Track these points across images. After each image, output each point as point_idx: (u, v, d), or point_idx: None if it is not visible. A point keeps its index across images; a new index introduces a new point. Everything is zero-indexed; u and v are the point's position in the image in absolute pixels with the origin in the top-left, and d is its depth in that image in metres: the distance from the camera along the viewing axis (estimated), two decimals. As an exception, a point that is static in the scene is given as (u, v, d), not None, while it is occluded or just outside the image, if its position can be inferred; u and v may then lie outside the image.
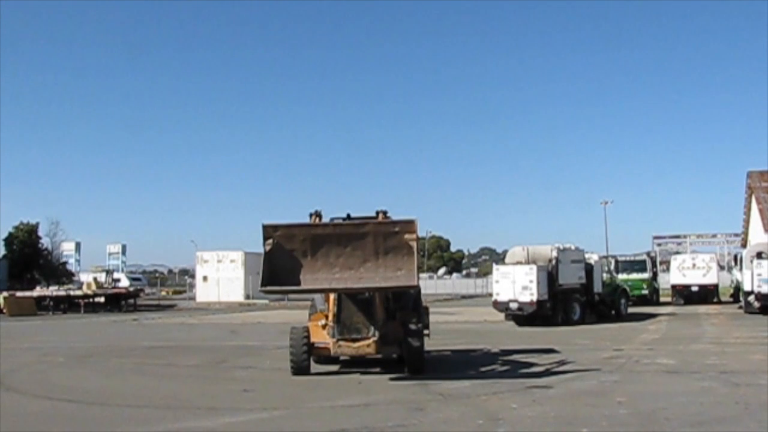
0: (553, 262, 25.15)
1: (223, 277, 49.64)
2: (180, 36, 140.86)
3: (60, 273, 56.69)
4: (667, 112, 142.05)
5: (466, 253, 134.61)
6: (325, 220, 13.67)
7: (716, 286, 37.90)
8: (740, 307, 30.60)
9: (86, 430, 9.29)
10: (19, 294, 41.86)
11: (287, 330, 13.75)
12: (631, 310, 29.29)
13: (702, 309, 32.75)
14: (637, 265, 37.37)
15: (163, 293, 65.54)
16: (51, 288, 46.13)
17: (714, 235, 73.58)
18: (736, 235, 58.34)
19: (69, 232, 65.65)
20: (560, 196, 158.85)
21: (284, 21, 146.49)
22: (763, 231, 37.27)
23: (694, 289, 37.17)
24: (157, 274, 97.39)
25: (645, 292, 36.27)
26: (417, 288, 13.43)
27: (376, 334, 12.73)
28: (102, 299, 43.91)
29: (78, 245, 73.54)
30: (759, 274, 27.32)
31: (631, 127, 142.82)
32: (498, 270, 26.13)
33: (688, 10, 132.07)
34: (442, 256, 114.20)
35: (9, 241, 54.81)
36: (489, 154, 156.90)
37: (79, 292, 43.86)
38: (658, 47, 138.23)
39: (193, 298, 53.37)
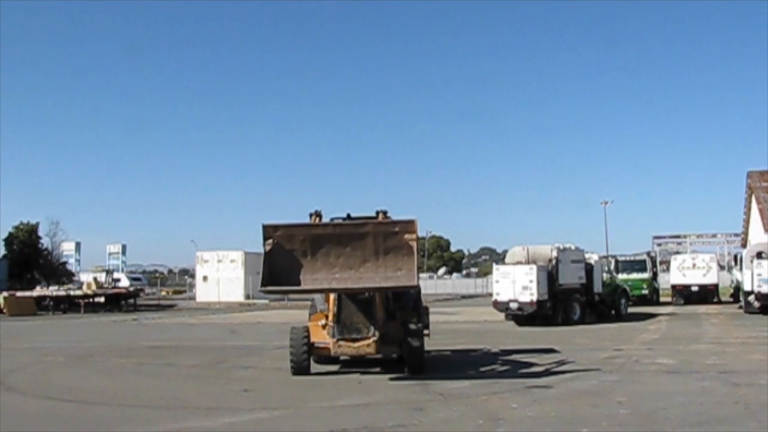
0: (553, 262, 25.17)
1: (223, 277, 49.67)
2: (179, 36, 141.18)
3: (60, 273, 56.59)
4: (667, 112, 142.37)
5: (466, 253, 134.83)
6: (325, 220, 13.65)
7: (716, 286, 37.89)
8: (740, 307, 30.61)
9: (86, 430, 9.29)
10: (19, 294, 41.85)
11: (287, 330, 13.75)
12: (631, 310, 29.28)
13: (702, 309, 32.75)
14: (637, 265, 37.38)
15: (163, 293, 65.51)
16: (51, 288, 46.07)
17: (714, 235, 73.62)
18: (736, 235, 58.32)
19: (69, 232, 65.62)
20: (560, 196, 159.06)
21: (284, 21, 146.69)
22: (763, 231, 37.23)
23: (694, 289, 37.16)
24: (157, 274, 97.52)
25: (645, 292, 36.29)
26: (417, 288, 13.43)
27: (376, 334, 12.73)
28: (102, 299, 43.88)
29: (78, 245, 73.54)
30: (759, 274, 27.34)
31: (630, 127, 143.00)
32: (498, 270, 26.14)
33: (688, 10, 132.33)
34: (442, 256, 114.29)
35: (9, 241, 54.78)
36: (489, 154, 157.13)
37: (79, 292, 43.82)
38: (658, 47, 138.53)
39: (193, 298, 53.42)
